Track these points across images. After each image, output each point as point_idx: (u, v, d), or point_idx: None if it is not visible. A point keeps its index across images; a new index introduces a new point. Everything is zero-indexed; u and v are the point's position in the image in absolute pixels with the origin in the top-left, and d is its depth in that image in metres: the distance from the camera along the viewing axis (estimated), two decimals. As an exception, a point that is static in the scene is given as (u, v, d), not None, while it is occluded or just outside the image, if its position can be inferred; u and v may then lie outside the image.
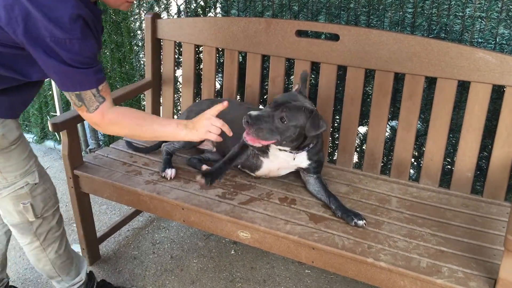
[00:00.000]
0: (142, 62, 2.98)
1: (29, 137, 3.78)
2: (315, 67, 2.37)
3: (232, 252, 2.61)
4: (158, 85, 2.71)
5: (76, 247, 2.60)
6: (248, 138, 1.84)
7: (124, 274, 2.45)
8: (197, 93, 2.72)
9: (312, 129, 1.84)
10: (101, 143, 3.48)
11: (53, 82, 3.19)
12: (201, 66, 2.67)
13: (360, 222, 1.83)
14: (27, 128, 3.79)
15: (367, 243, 1.74)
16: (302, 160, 2.03)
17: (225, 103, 1.73)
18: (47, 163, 3.55)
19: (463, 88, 2.12)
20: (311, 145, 1.99)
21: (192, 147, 2.34)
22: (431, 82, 2.19)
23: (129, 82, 3.04)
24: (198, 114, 2.30)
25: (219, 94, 2.66)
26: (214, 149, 2.36)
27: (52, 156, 3.66)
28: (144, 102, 3.08)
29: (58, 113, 3.32)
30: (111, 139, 3.37)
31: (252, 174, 2.17)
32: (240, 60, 2.53)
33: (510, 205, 1.92)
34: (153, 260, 2.55)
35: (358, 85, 2.18)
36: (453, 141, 2.24)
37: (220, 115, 1.75)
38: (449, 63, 1.97)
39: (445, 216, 1.91)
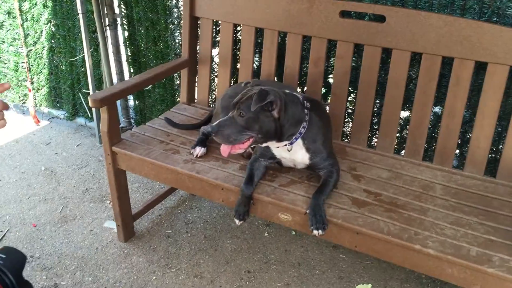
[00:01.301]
0: (177, 40, 2.95)
1: (60, 113, 3.80)
2: (356, 49, 2.32)
3: (266, 235, 2.60)
4: (194, 64, 2.68)
5: (111, 224, 2.62)
6: (225, 150, 1.82)
7: (158, 252, 2.46)
8: (234, 73, 2.69)
9: (256, 103, 1.74)
10: (132, 122, 3.47)
11: (87, 59, 3.19)
12: (238, 46, 2.64)
13: (315, 232, 1.77)
14: (58, 105, 3.81)
15: (414, 230, 1.71)
16: (301, 153, 1.95)
17: (6, 85, 1.18)
18: (78, 140, 3.57)
19: (513, 74, 2.05)
20: (302, 130, 1.88)
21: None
22: (478, 68, 2.12)
23: (163, 61, 3.01)
24: (231, 97, 2.28)
25: (256, 75, 2.62)
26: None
27: (83, 134, 3.67)
28: (178, 81, 3.07)
29: (90, 91, 3.33)
30: (142, 118, 3.37)
31: None
32: (279, 41, 2.48)
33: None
34: (187, 239, 2.56)
35: (403, 68, 2.12)
36: (499, 129, 2.17)
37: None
38: (501, 47, 1.91)
39: (492, 205, 1.87)
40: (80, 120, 3.74)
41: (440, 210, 1.83)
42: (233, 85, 2.44)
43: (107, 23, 3.10)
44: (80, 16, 3.07)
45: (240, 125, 1.79)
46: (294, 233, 2.60)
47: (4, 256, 0.94)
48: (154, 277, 2.31)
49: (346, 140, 2.49)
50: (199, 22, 2.63)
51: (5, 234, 2.61)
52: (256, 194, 1.93)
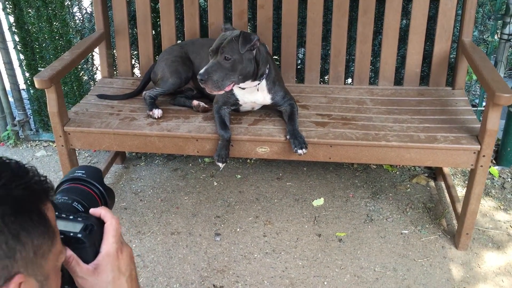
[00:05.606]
0: (76, 16, 2.85)
1: None
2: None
3: (215, 184, 2.79)
4: (110, 37, 2.67)
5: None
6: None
7: (124, 224, 2.49)
8: (156, 37, 2.73)
9: (244, 45, 1.95)
10: (29, 114, 3.25)
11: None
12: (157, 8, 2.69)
13: (300, 151, 2.04)
14: None
15: (373, 132, 2.11)
16: (263, 94, 2.20)
17: None
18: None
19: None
20: (266, 71, 2.14)
21: (173, 92, 2.42)
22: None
23: (62, 41, 2.89)
24: (175, 61, 2.38)
25: (180, 37, 2.72)
26: (195, 91, 2.47)
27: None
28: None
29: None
30: (40, 106, 3.18)
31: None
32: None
33: (451, 88, 2.47)
34: (145, 206, 2.62)
35: (319, 8, 2.48)
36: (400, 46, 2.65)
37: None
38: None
39: (412, 104, 2.37)
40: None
41: (379, 116, 2.27)
42: (166, 50, 2.51)
43: (-13, 9, 2.83)
44: (-50, 5, 2.75)
45: (227, 69, 1.93)
46: (239, 176, 2.84)
47: (83, 171, 0.97)
48: (134, 245, 2.36)
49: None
50: (107, -7, 2.61)
51: None
52: (233, 136, 2.13)
